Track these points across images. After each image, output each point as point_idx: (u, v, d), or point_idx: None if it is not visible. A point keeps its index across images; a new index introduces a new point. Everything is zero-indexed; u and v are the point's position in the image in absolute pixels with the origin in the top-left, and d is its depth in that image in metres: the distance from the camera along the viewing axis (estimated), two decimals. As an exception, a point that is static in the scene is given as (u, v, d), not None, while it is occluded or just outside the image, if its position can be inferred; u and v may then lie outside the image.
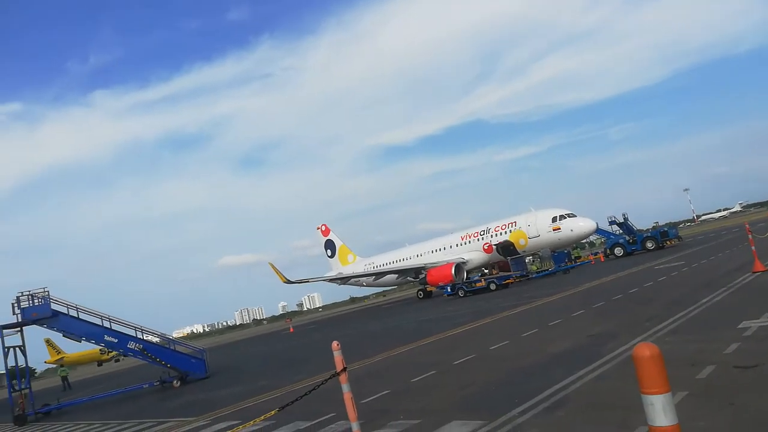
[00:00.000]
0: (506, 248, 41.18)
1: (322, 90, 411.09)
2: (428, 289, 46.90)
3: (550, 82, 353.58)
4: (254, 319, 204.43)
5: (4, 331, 19.63)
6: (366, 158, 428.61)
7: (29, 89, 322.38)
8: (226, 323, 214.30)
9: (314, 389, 6.20)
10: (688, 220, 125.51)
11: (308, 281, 55.34)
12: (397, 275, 49.92)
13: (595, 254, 53.90)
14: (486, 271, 44.17)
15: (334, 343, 5.71)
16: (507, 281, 34.54)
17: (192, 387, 18.73)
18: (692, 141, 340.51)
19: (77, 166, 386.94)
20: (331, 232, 63.45)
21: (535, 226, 40.02)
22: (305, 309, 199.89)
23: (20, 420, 18.60)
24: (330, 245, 63.32)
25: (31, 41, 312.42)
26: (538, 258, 39.18)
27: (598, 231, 46.15)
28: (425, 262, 46.57)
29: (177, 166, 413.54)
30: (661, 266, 24.38)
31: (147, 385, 20.66)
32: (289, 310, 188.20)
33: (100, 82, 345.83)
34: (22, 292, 19.60)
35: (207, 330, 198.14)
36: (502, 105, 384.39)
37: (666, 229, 42.57)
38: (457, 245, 45.96)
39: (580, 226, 38.99)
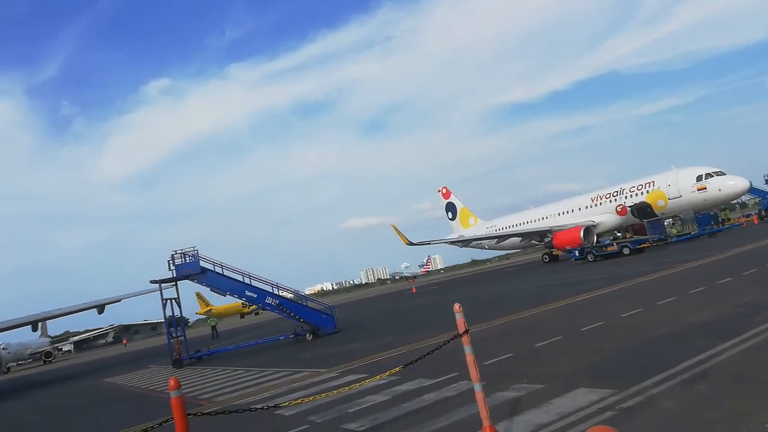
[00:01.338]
0: (642, 210, 38.31)
1: (444, 50, 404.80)
2: (554, 253, 45.50)
3: (695, 25, 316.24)
4: (379, 279, 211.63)
5: (162, 285, 22.09)
6: (489, 118, 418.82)
7: (175, 65, 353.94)
8: (353, 282, 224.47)
9: (437, 349, 6.28)
10: None
11: (430, 243, 55.90)
12: (520, 238, 48.75)
13: (748, 216, 48.84)
14: (619, 234, 41.61)
15: (456, 305, 5.71)
16: (642, 245, 32.40)
17: (323, 341, 19.87)
18: None
19: (217, 135, 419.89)
20: (452, 195, 63.21)
21: (676, 185, 36.70)
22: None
23: (177, 363, 21.08)
24: (451, 208, 63.20)
25: (176, 20, 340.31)
26: (679, 220, 36.10)
27: (752, 190, 41.52)
28: (551, 225, 44.91)
29: (306, 132, 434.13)
30: (831, 230, 21.41)
31: (283, 338, 22.26)
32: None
33: (236, 56, 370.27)
34: (175, 251, 21.70)
35: (335, 288, 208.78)
36: (638, 54, 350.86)
37: (838, 187, 37.24)
38: (586, 207, 43.67)
39: (729, 185, 35.14)
